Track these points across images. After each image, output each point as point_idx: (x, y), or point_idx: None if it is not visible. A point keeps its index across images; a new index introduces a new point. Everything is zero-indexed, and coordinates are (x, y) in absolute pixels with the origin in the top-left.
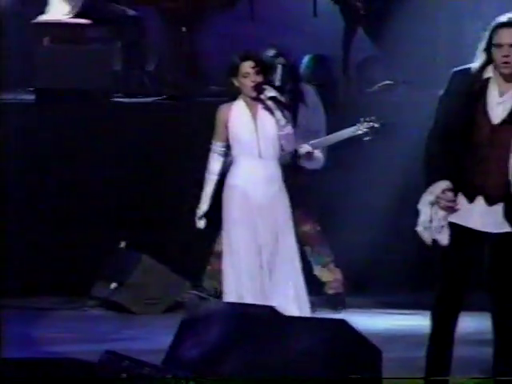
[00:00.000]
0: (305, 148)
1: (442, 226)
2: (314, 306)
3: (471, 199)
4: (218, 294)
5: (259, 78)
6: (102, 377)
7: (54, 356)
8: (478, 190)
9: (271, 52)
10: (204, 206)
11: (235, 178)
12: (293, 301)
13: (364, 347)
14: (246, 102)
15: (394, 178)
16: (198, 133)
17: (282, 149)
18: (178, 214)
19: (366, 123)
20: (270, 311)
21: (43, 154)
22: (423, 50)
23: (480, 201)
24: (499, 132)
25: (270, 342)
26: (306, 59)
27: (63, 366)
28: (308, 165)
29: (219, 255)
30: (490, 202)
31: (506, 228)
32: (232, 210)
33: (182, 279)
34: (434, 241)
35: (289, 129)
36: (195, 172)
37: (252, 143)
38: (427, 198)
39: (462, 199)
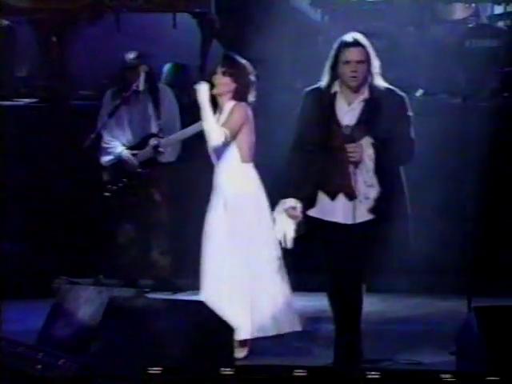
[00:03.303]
0: (152, 142)
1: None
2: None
3: (333, 197)
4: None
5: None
6: None
7: None
8: (339, 188)
9: (132, 54)
10: None
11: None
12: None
13: (219, 324)
14: None
15: None
16: (67, 132)
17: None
18: (50, 205)
19: None
20: (136, 293)
21: None
22: (272, 59)
23: (341, 198)
24: (351, 137)
25: (137, 320)
26: (167, 67)
27: None
28: (161, 158)
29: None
30: (350, 197)
31: (363, 218)
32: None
33: (55, 265)
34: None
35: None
36: (66, 164)
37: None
38: (281, 207)
39: (324, 198)
